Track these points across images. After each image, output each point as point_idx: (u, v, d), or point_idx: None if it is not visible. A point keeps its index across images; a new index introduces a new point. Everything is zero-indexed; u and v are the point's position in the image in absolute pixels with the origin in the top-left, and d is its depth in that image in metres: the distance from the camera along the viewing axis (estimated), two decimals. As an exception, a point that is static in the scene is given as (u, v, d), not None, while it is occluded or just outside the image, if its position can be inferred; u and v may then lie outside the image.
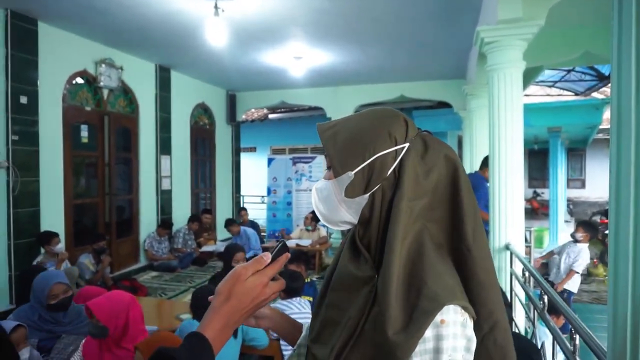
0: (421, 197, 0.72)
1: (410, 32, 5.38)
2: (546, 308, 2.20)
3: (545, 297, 2.18)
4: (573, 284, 4.90)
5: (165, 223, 6.79)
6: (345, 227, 0.80)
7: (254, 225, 8.31)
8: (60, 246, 4.67)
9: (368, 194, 0.74)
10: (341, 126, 0.78)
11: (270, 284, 0.75)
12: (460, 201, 0.72)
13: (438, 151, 0.74)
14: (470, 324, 0.66)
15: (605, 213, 12.98)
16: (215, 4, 4.27)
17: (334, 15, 4.76)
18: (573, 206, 15.79)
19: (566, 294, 4.81)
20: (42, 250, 4.67)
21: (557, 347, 1.95)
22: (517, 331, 2.84)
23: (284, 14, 4.74)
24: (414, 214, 0.72)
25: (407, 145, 0.74)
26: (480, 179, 4.40)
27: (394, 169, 0.73)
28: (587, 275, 8.42)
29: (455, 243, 0.73)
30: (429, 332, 0.63)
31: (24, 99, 4.70)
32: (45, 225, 4.95)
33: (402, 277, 0.69)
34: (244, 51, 6.18)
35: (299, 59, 6.45)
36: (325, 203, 0.79)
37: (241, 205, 9.90)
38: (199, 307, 2.61)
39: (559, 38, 4.96)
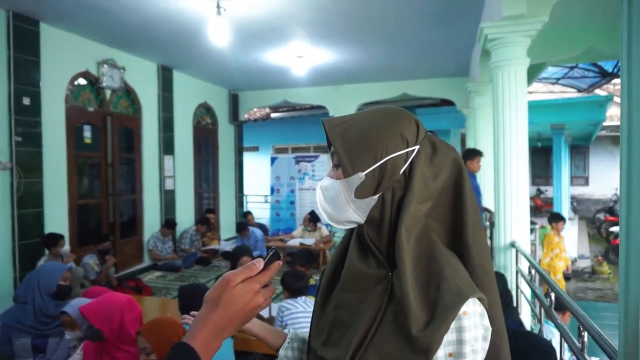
0: (428, 199, 0.74)
1: (411, 30, 5.36)
2: (553, 305, 2.19)
3: (552, 295, 2.17)
4: None
5: (169, 223, 6.80)
6: (351, 226, 0.79)
7: (261, 227, 8.36)
8: (66, 248, 4.69)
9: (378, 195, 0.74)
10: (351, 124, 0.76)
11: (262, 290, 0.72)
12: (463, 203, 0.74)
13: (446, 154, 0.76)
14: (486, 314, 0.68)
15: (609, 210, 12.92)
16: (218, 4, 4.26)
17: (334, 14, 4.75)
18: (577, 204, 15.75)
19: None
20: (46, 252, 4.68)
21: (565, 345, 1.94)
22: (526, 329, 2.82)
23: (286, 13, 4.72)
24: (421, 215, 0.73)
25: (417, 147, 0.74)
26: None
27: (404, 171, 0.73)
28: (592, 273, 8.38)
29: (456, 243, 0.74)
30: (452, 325, 0.65)
31: (26, 100, 4.70)
32: (49, 226, 4.96)
33: (417, 274, 0.70)
34: (246, 50, 6.17)
35: (301, 57, 6.44)
36: (332, 202, 0.77)
37: (245, 207, 9.93)
38: (185, 307, 2.49)
39: (562, 34, 4.94)
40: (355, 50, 6.24)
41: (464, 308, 0.65)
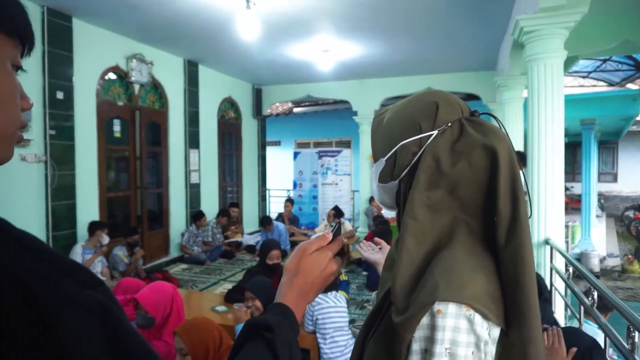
0: (442, 187, 0.70)
1: (438, 23, 5.27)
2: (595, 304, 2.14)
3: (595, 293, 2.11)
4: None
5: (196, 215, 6.83)
6: (391, 210, 0.84)
7: (295, 218, 8.42)
8: (106, 237, 4.86)
9: (397, 181, 0.77)
10: (387, 114, 0.82)
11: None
12: (497, 193, 0.66)
13: (473, 139, 0.69)
14: (482, 322, 0.61)
15: (639, 208, 12.54)
16: (247, -2, 4.26)
17: (362, 6, 4.71)
18: (604, 201, 15.34)
19: None
20: (79, 241, 4.80)
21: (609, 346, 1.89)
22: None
23: (313, 6, 4.70)
24: (435, 206, 0.70)
25: (434, 133, 0.72)
26: None
27: (419, 157, 0.73)
28: (622, 272, 8.16)
29: (490, 233, 0.68)
30: (425, 320, 0.63)
31: (60, 95, 4.80)
32: (81, 217, 5.07)
33: (419, 270, 0.68)
34: (272, 45, 6.17)
35: (326, 52, 6.41)
36: (372, 184, 0.85)
37: (267, 201, 10.00)
38: (262, 295, 2.82)
39: (597, 26, 4.77)
40: (381, 44, 6.17)
41: (439, 307, 0.61)
